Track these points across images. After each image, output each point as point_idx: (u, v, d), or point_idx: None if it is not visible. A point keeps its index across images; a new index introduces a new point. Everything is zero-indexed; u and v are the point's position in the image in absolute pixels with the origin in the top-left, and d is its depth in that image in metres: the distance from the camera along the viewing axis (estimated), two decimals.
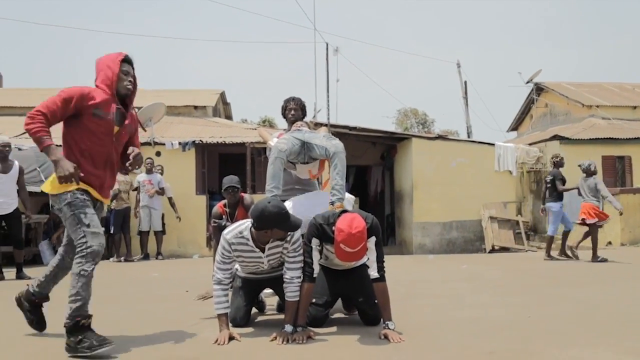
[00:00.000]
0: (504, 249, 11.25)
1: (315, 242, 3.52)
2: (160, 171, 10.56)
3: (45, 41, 65.52)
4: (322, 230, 3.50)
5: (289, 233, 3.44)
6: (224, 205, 5.68)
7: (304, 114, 5.08)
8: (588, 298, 4.83)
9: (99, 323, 4.02)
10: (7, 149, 7.03)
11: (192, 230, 11.06)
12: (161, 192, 10.23)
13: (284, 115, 5.08)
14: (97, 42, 69.63)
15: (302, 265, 3.48)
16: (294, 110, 4.99)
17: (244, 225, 3.50)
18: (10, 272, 7.21)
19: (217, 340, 3.28)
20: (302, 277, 3.46)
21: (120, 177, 9.47)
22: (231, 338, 3.32)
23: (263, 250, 3.50)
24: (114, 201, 9.71)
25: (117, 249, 9.98)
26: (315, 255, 3.51)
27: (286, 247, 3.47)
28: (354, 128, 11.98)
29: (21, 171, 7.15)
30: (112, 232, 9.87)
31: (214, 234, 5.85)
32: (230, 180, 5.55)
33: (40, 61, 59.29)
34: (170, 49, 74.95)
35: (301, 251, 3.50)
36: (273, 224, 3.31)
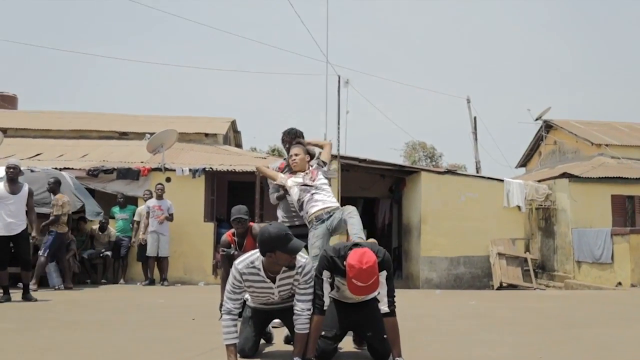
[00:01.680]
0: (512, 286, 11.12)
1: (326, 274, 3.51)
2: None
3: (62, 64, 66.63)
4: (333, 263, 3.49)
5: (299, 265, 3.43)
6: (233, 234, 5.66)
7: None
8: (600, 340, 4.74)
9: (103, 349, 3.99)
10: (13, 170, 7.11)
11: (199, 257, 11.01)
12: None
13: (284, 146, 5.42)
14: (109, 67, 70.75)
15: (313, 297, 3.45)
16: (288, 144, 5.22)
17: (256, 255, 3.50)
18: (16, 294, 7.18)
19: None
20: (312, 310, 3.43)
21: (65, 198, 8.91)
22: None
23: (274, 281, 3.50)
24: (57, 224, 8.78)
25: (38, 275, 8.63)
26: (326, 288, 3.51)
27: (297, 278, 3.46)
28: (364, 160, 12.03)
29: (30, 193, 7.22)
30: (44, 255, 8.64)
31: (222, 262, 5.82)
32: (239, 210, 5.51)
33: (56, 84, 60.18)
34: (183, 77, 75.95)
35: (312, 283, 3.49)
36: (274, 245, 3.32)
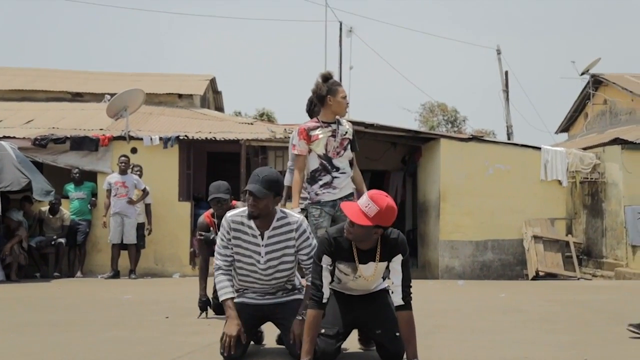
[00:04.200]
0: (550, 276, 11.19)
1: (326, 260, 3.54)
2: (139, 172, 10.55)
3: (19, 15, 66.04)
4: (336, 245, 3.52)
5: (294, 220, 3.82)
6: (212, 215, 5.64)
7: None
8: None
9: (60, 355, 4.03)
10: None
11: (173, 244, 11.07)
12: (145, 194, 10.25)
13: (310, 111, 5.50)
14: (58, 15, 70.09)
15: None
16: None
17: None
18: None
19: (223, 336, 3.64)
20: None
21: None
22: (238, 335, 3.65)
23: (262, 237, 3.78)
24: None
25: None
26: (326, 277, 3.55)
27: (293, 237, 3.81)
28: (371, 125, 11.98)
29: None
30: None
31: (200, 249, 5.85)
32: (217, 188, 5.42)
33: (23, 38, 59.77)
34: (153, 25, 75.35)
35: (312, 243, 3.84)
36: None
